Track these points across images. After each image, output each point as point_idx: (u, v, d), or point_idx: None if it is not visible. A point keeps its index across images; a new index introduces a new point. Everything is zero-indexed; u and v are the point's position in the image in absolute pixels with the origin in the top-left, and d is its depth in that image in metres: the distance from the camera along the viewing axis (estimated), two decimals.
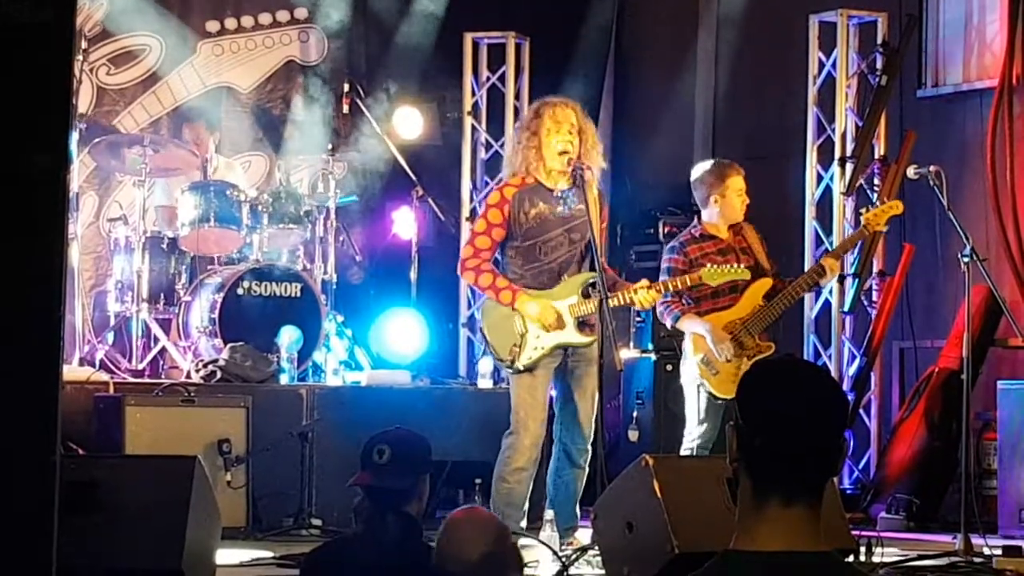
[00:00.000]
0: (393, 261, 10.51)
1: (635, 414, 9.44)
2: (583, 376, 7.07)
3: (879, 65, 10.07)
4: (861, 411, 9.99)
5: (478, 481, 8.07)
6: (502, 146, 10.40)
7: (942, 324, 9.70)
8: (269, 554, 6.94)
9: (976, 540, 7.22)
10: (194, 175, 9.63)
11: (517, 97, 10.86)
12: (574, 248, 7.07)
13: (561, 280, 7.06)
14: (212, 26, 10.71)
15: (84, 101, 9.93)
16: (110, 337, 9.35)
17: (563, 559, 6.30)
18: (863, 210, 7.77)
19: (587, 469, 7.08)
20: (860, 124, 10.10)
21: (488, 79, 10.96)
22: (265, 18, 10.90)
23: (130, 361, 9.14)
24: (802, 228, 10.16)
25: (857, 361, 10.03)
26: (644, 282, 7.10)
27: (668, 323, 7.54)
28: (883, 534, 7.39)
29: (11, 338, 2.64)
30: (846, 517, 6.67)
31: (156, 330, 9.18)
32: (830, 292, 9.93)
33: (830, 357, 10.01)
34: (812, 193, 10.18)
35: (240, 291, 8.91)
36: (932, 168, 7.55)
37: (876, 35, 10.15)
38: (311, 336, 9.00)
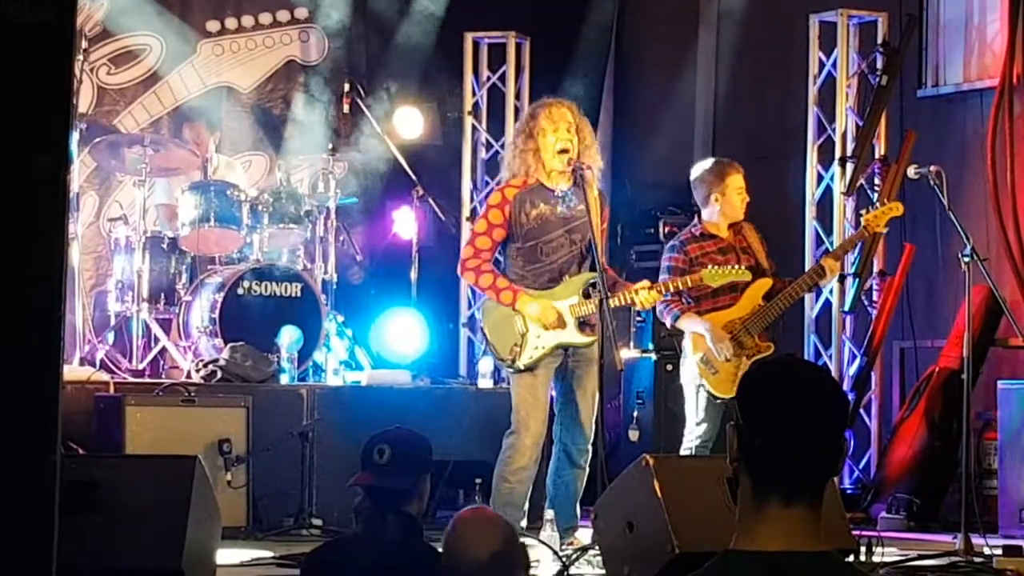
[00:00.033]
0: (393, 261, 10.51)
1: (635, 414, 9.45)
2: (584, 376, 7.08)
3: (879, 65, 10.07)
4: (861, 411, 9.99)
5: (478, 481, 8.07)
6: (502, 146, 10.40)
7: (942, 324, 9.70)
8: (269, 554, 6.94)
9: (976, 540, 7.22)
10: (194, 175, 9.63)
11: (517, 97, 10.86)
12: (575, 248, 7.07)
13: (562, 280, 7.06)
14: (212, 26, 10.71)
15: (84, 101, 9.93)
16: (110, 337, 9.35)
17: (563, 559, 6.31)
18: (863, 211, 7.77)
19: (587, 469, 7.09)
20: (860, 124, 10.10)
21: (488, 79, 10.96)
22: (265, 18, 10.90)
23: (130, 361, 9.14)
24: (802, 228, 10.16)
25: (857, 361, 10.03)
26: (645, 282, 7.11)
27: (668, 322, 7.54)
28: (883, 534, 7.39)
29: (11, 338, 2.64)
30: (846, 517, 6.66)
31: (156, 330, 9.18)
32: (831, 292, 9.93)
33: (830, 357, 10.01)
34: (812, 193, 10.18)
35: (240, 291, 8.91)
36: (932, 168, 7.55)
37: (876, 35, 10.15)
38: (311, 336, 9.00)
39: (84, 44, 9.56)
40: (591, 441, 7.06)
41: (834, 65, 10.14)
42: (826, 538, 2.58)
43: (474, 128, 10.97)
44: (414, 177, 10.22)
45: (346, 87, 10.42)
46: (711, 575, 2.57)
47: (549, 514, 6.66)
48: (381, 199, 10.74)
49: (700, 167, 7.67)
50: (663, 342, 9.38)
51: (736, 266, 7.30)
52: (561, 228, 7.06)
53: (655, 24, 12.18)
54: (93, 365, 8.95)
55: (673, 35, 12.12)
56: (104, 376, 8.60)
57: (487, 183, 10.75)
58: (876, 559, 6.56)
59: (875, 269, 10.06)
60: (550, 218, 7.06)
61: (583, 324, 7.04)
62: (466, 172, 10.92)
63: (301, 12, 10.90)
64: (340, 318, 9.68)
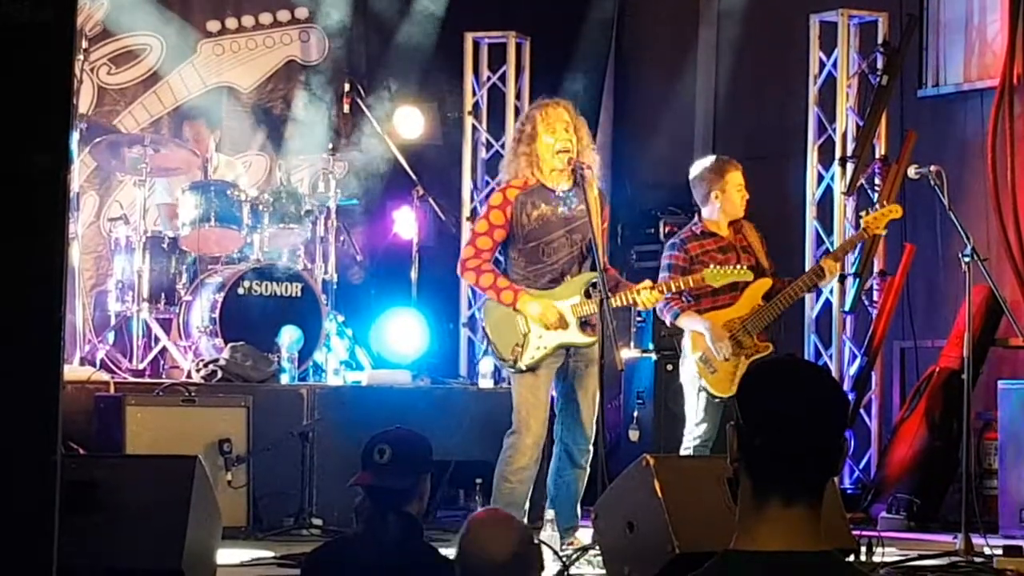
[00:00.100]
0: (394, 261, 10.51)
1: (636, 414, 9.44)
2: (585, 376, 7.07)
3: (880, 65, 10.07)
4: (862, 411, 9.99)
5: (479, 481, 8.07)
6: (503, 146, 10.40)
7: (943, 324, 9.70)
8: (270, 554, 6.95)
9: (977, 540, 7.22)
10: (195, 174, 9.63)
11: (518, 97, 10.86)
12: (575, 249, 7.07)
13: (564, 280, 7.06)
14: (213, 26, 10.71)
15: (85, 101, 9.93)
16: (111, 337, 9.35)
17: (564, 559, 6.30)
18: (864, 211, 7.77)
19: (588, 469, 7.08)
20: (861, 124, 10.10)
21: (489, 79, 10.96)
22: (266, 18, 10.90)
23: (131, 361, 9.14)
24: (803, 228, 10.16)
25: (858, 361, 10.03)
26: (647, 282, 7.11)
27: (667, 320, 7.54)
28: (884, 534, 7.40)
29: (11, 338, 2.64)
30: (847, 517, 6.67)
31: (157, 330, 9.18)
32: (831, 292, 9.93)
33: (831, 357, 10.01)
34: (813, 193, 10.19)
35: (241, 291, 8.91)
36: (933, 168, 7.56)
37: (877, 35, 10.15)
38: (312, 336, 9.00)
39: (84, 44, 9.56)
40: (592, 441, 7.06)
41: (834, 65, 10.14)
42: (826, 538, 2.58)
43: (474, 128, 10.97)
44: (414, 177, 10.23)
45: (346, 87, 10.42)
46: (711, 575, 2.57)
47: (549, 514, 6.65)
48: (381, 199, 10.74)
49: (700, 165, 7.68)
50: (663, 342, 9.38)
51: (738, 266, 7.30)
52: (562, 228, 7.06)
53: (655, 24, 12.18)
54: (93, 365, 8.95)
55: (673, 35, 12.12)
56: (104, 376, 8.60)
57: (487, 183, 10.75)
58: (876, 559, 6.56)
59: (875, 269, 10.06)
60: (551, 219, 7.06)
61: (585, 324, 7.03)
62: (466, 172, 10.93)
63: (301, 12, 10.90)
64: (340, 318, 9.68)
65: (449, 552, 4.26)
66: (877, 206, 8.09)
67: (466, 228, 10.30)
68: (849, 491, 9.63)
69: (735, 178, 7.54)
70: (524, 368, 7.03)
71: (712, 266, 7.27)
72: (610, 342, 6.78)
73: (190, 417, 7.84)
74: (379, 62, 11.02)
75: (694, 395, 7.46)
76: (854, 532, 6.49)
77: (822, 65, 10.20)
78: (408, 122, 10.73)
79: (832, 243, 9.84)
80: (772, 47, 11.20)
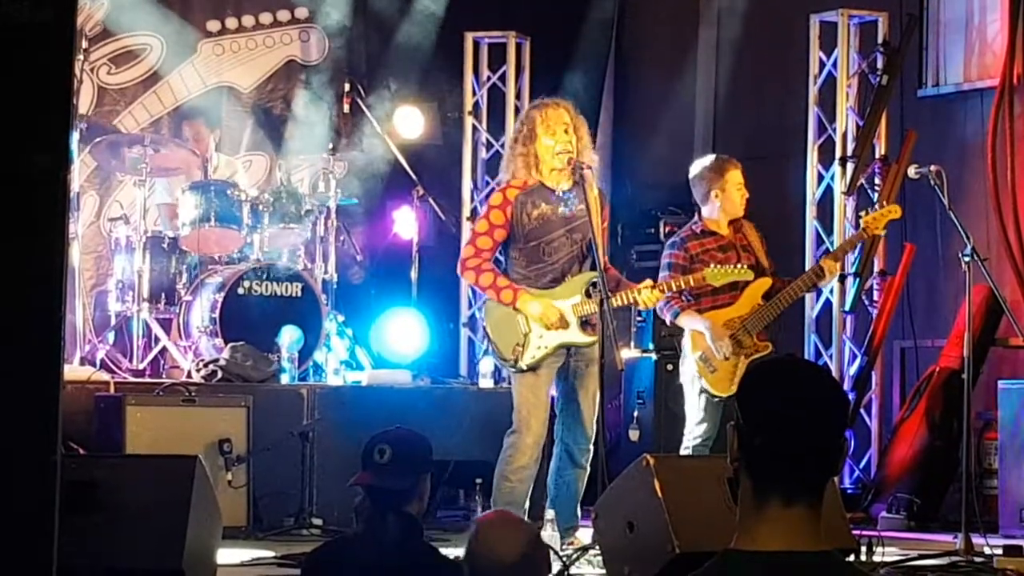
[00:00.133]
0: (394, 261, 10.51)
1: (636, 414, 9.44)
2: (585, 376, 7.07)
3: (880, 65, 10.07)
4: (862, 411, 9.99)
5: (479, 481, 8.06)
6: (503, 146, 10.39)
7: (943, 324, 9.70)
8: (270, 554, 6.95)
9: (977, 540, 7.22)
10: (195, 174, 9.63)
11: (518, 97, 10.86)
12: (575, 248, 7.07)
13: (564, 280, 7.06)
14: (213, 25, 10.71)
15: (85, 101, 9.93)
16: (111, 337, 9.35)
17: (564, 559, 6.30)
18: (863, 213, 7.77)
19: (588, 469, 7.08)
20: (861, 124, 10.10)
21: (489, 79, 10.96)
22: (266, 17, 10.90)
23: (131, 361, 9.14)
24: (803, 228, 10.16)
25: (858, 360, 10.03)
26: (648, 282, 7.11)
27: (667, 318, 7.55)
28: (884, 534, 7.39)
29: (11, 338, 2.64)
30: (847, 517, 6.67)
31: (157, 330, 9.18)
32: (831, 292, 9.93)
33: (831, 356, 10.01)
34: (813, 193, 10.19)
35: (241, 291, 8.91)
36: (933, 168, 7.56)
37: (877, 35, 10.15)
38: (312, 336, 9.00)
39: (84, 44, 9.56)
40: (592, 441, 7.06)
41: (834, 65, 10.14)
42: (826, 538, 2.58)
43: (474, 128, 10.97)
44: (414, 177, 10.23)
45: (346, 87, 10.42)
46: (711, 575, 2.57)
47: (550, 514, 6.66)
48: (381, 199, 10.74)
49: (699, 164, 7.68)
50: (663, 342, 9.38)
51: (738, 265, 7.31)
52: (562, 228, 7.06)
53: (655, 24, 12.18)
54: (93, 365, 8.95)
55: (673, 35, 12.12)
56: (104, 376, 8.60)
57: (487, 183, 10.75)
58: (876, 559, 6.56)
59: (875, 269, 10.06)
60: (551, 218, 7.06)
61: (585, 324, 7.03)
62: (466, 172, 10.93)
63: (301, 12, 10.90)
64: (340, 318, 9.68)
65: (450, 552, 4.27)
66: (877, 206, 8.10)
67: (466, 228, 10.30)
68: (849, 491, 9.62)
69: (735, 177, 7.54)
70: (525, 368, 7.02)
71: (712, 265, 7.27)
72: (610, 342, 6.78)
73: (190, 417, 7.84)
74: (379, 62, 11.01)
75: (694, 395, 7.46)
76: (854, 532, 6.49)
77: (822, 65, 10.20)
78: (408, 122, 10.73)
79: (832, 243, 9.84)
80: (772, 47, 11.20)
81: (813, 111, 10.21)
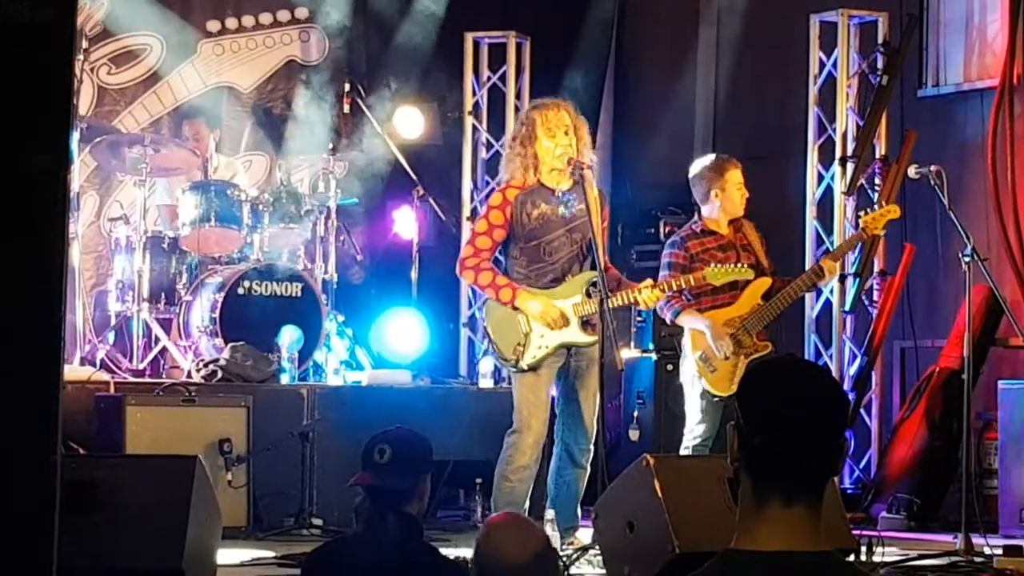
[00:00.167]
0: (394, 261, 10.51)
1: (636, 414, 9.44)
2: (586, 376, 7.07)
3: (880, 65, 10.07)
4: (862, 411, 9.99)
5: (479, 481, 8.07)
6: (503, 146, 10.38)
7: (943, 324, 9.70)
8: (270, 554, 6.95)
9: (977, 540, 7.22)
10: (195, 174, 9.63)
11: (518, 96, 10.86)
12: (575, 248, 7.07)
13: (565, 280, 7.06)
14: (213, 25, 10.71)
15: (85, 101, 9.93)
16: (111, 337, 9.35)
17: (564, 559, 6.30)
18: (862, 213, 7.77)
19: (588, 469, 7.08)
20: (861, 124, 10.10)
21: (489, 79, 10.96)
22: (266, 18, 10.90)
23: (131, 361, 9.14)
24: (803, 228, 10.16)
25: (858, 361, 10.02)
26: (648, 281, 7.11)
27: (668, 317, 7.54)
28: (884, 534, 7.40)
29: (11, 338, 2.64)
30: (847, 517, 6.66)
31: (157, 330, 9.18)
32: (831, 292, 9.93)
33: (831, 357, 10.01)
34: (813, 193, 10.19)
35: (241, 291, 8.91)
36: (933, 168, 7.56)
37: (877, 35, 10.15)
38: (312, 336, 9.00)
39: (84, 44, 9.56)
40: (592, 441, 7.06)
41: (834, 65, 10.14)
42: (826, 538, 2.58)
43: (474, 128, 10.97)
44: (414, 177, 10.23)
45: (346, 87, 10.42)
46: (711, 575, 2.57)
47: (550, 514, 6.66)
48: (381, 199, 10.74)
49: (699, 164, 7.68)
50: (663, 342, 9.38)
51: (738, 264, 7.31)
52: (562, 228, 7.06)
53: (655, 24, 12.18)
54: (93, 365, 8.95)
55: (673, 34, 12.12)
56: (104, 376, 8.60)
57: (487, 183, 10.75)
58: (876, 559, 6.56)
59: (875, 269, 10.06)
60: (551, 218, 7.06)
61: (586, 323, 7.03)
62: (466, 172, 10.93)
63: (301, 12, 10.90)
64: (340, 318, 9.68)
65: (450, 552, 4.27)
66: (877, 206, 8.10)
67: (466, 228, 10.30)
68: (849, 491, 9.62)
69: (735, 176, 7.54)
70: (526, 367, 7.03)
71: (712, 264, 7.27)
72: (610, 342, 6.79)
73: (190, 417, 7.84)
74: (379, 62, 11.01)
75: (694, 395, 7.46)
76: (854, 532, 6.49)
77: (822, 65, 10.20)
78: (408, 122, 10.73)
79: (832, 243, 9.83)
80: (772, 47, 11.20)
81: (813, 111, 10.21)
